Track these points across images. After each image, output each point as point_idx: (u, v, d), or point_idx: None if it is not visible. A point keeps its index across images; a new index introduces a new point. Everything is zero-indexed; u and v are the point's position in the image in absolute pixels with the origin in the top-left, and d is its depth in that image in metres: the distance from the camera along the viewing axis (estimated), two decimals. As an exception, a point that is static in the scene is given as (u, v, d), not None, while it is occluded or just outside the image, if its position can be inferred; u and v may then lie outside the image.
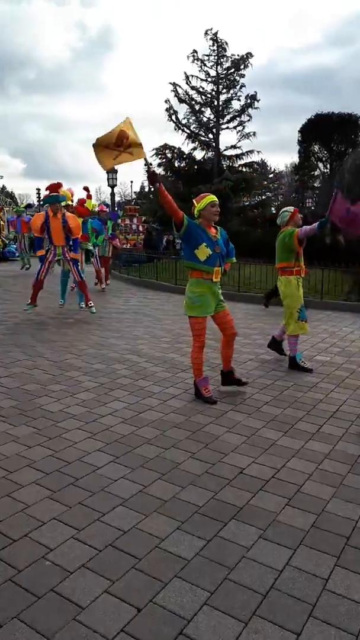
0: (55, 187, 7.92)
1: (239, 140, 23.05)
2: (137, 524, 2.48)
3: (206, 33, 22.95)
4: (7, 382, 4.69)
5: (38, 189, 50.96)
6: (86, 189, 11.32)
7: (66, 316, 8.23)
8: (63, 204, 8.14)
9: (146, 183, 43.65)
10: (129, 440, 3.45)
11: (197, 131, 23.61)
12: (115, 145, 4.06)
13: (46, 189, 8.10)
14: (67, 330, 7.06)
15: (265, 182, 35.29)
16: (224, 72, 23.08)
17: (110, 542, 2.35)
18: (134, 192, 50.24)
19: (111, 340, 6.47)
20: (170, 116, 23.15)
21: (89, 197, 11.41)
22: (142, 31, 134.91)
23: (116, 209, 15.88)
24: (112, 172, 18.35)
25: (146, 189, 43.59)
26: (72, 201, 9.91)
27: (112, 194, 19.75)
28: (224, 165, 23.10)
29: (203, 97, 23.47)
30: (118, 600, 2.00)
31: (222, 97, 23.29)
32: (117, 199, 23.29)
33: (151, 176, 3.96)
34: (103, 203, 18.24)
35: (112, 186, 18.96)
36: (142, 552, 2.27)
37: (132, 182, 55.54)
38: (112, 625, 1.87)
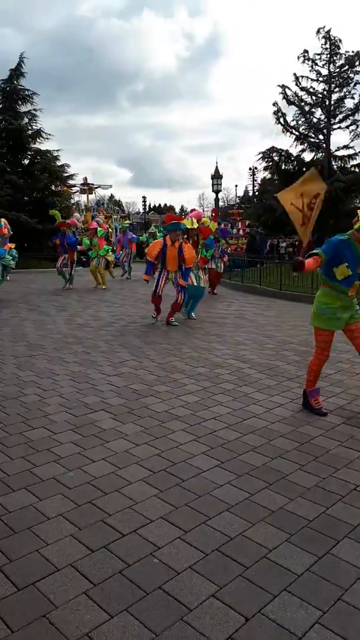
0: (174, 217, 8.33)
1: (352, 140, 22.19)
2: (243, 532, 2.45)
3: (318, 31, 22.44)
4: (116, 381, 4.89)
5: (144, 197, 52.87)
6: (215, 211, 11.51)
7: (172, 320, 8.40)
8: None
9: (250, 187, 43.54)
10: (234, 446, 3.42)
11: (306, 132, 23.11)
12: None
13: (166, 218, 8.53)
14: (171, 334, 7.21)
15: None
16: (337, 70, 22.38)
17: (217, 547, 2.34)
18: (237, 197, 50.32)
19: (214, 344, 6.49)
20: (278, 119, 22.90)
21: (215, 219, 11.70)
22: (249, 36, 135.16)
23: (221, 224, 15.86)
24: (216, 178, 18.50)
25: (250, 193, 43.43)
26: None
27: (217, 200, 19.91)
28: (335, 166, 22.33)
29: (313, 97, 22.94)
30: (225, 606, 1.98)
31: (334, 96, 22.60)
32: (220, 204, 23.44)
33: (298, 265, 3.69)
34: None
35: (217, 192, 19.14)
36: (249, 561, 2.24)
37: (236, 186, 55.66)
38: (219, 631, 1.86)
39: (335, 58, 22.41)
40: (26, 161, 25.31)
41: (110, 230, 19.75)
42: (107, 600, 2.01)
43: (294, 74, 23.46)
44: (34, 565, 2.21)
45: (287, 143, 48.69)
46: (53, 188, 25.04)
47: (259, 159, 24.09)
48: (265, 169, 24.38)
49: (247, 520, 2.55)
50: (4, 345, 6.52)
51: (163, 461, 3.20)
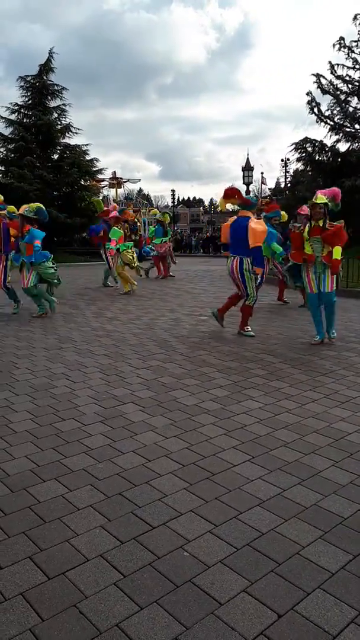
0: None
1: (390, 129, 21.66)
2: (275, 527, 2.40)
3: (355, 18, 21.92)
4: (145, 374, 4.88)
5: (173, 190, 52.83)
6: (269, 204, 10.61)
7: (201, 313, 8.37)
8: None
9: (282, 179, 42.92)
10: (266, 441, 3.37)
11: (341, 122, 22.65)
12: None
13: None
14: (199, 327, 7.17)
15: None
16: (375, 57, 21.84)
17: (248, 542, 2.30)
18: (269, 189, 49.81)
19: (244, 338, 6.42)
20: (312, 109, 22.54)
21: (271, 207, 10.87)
22: (280, 26, 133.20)
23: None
24: (248, 170, 18.31)
25: (282, 185, 42.88)
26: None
27: (247, 192, 19.71)
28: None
29: (349, 85, 22.46)
30: (257, 601, 1.94)
31: (373, 84, 22.07)
32: (251, 195, 23.22)
33: None
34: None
35: (248, 184, 18.96)
36: (281, 557, 2.19)
37: (262, 174, 54.78)
38: (251, 627, 1.82)
39: (373, 45, 21.90)
40: (55, 156, 25.60)
41: (139, 224, 19.76)
42: (137, 592, 1.99)
43: (329, 62, 23.05)
44: (64, 555, 2.21)
45: (321, 133, 47.98)
46: (82, 182, 25.27)
47: (292, 150, 23.77)
48: (298, 160, 24.03)
49: (279, 516, 2.50)
50: (34, 337, 6.60)
51: (193, 454, 3.17)
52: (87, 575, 2.09)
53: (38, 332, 6.92)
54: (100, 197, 26.46)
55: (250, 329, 6.63)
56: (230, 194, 6.50)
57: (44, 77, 25.17)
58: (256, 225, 6.30)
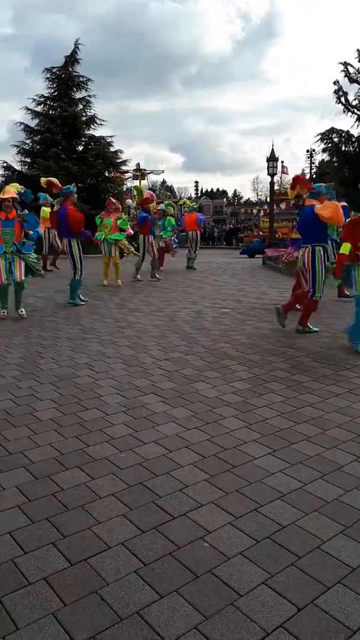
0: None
1: None
2: (296, 521, 2.40)
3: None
4: (166, 365, 4.90)
5: (196, 182, 52.62)
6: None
7: (223, 306, 8.35)
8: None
9: (307, 170, 42.30)
10: (287, 434, 3.36)
11: (369, 112, 22.20)
12: None
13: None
14: (221, 320, 7.16)
15: None
16: None
17: (268, 535, 2.30)
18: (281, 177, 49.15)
19: (266, 331, 6.39)
20: (338, 98, 22.13)
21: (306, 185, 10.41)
22: (307, 14, 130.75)
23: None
24: (272, 161, 18.07)
25: (307, 176, 42.31)
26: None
27: (272, 183, 19.48)
28: None
29: (379, 74, 21.95)
30: (276, 594, 1.95)
31: None
32: (275, 187, 22.91)
33: None
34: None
35: (272, 175, 18.71)
36: (302, 551, 2.19)
37: (282, 162, 53.79)
38: (270, 619, 1.83)
39: None
40: (80, 147, 25.69)
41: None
42: (158, 581, 2.01)
43: (357, 50, 22.53)
44: (86, 542, 2.25)
45: (347, 124, 47.06)
46: (106, 174, 25.33)
47: (317, 141, 23.42)
48: (324, 150, 23.67)
49: (300, 509, 2.50)
50: (59, 328, 6.68)
51: (214, 446, 3.18)
52: (109, 562, 2.12)
53: (62, 323, 7.00)
54: (124, 189, 26.48)
55: (311, 325, 6.38)
56: (299, 181, 6.41)
57: (70, 69, 25.24)
58: (323, 206, 5.91)
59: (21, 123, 24.69)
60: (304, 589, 1.98)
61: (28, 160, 24.44)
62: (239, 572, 2.07)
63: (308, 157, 41.20)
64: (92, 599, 1.92)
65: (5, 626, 1.79)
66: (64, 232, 8.25)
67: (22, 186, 7.50)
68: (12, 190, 7.11)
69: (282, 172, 38.46)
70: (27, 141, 24.76)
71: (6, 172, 24.30)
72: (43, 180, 9.22)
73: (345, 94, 22.41)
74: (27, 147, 24.57)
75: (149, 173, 31.68)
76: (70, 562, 2.12)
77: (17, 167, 24.67)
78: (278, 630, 1.78)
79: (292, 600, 1.92)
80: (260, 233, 26.21)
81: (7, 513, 2.46)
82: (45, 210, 12.96)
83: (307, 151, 41.43)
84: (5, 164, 24.31)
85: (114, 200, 11.37)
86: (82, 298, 8.58)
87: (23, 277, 7.12)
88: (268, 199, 31.92)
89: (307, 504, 2.55)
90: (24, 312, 7.35)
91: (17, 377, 4.57)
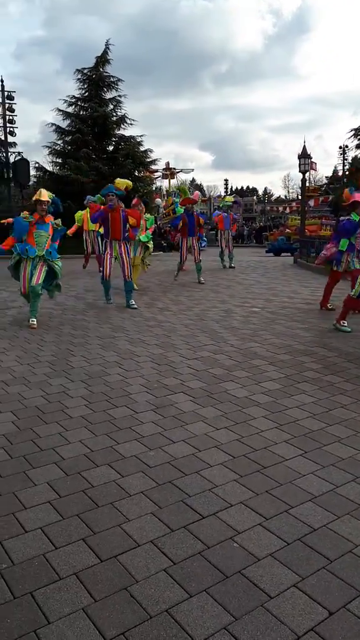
0: None
1: None
2: (328, 524, 2.36)
3: None
4: (195, 365, 4.90)
5: (226, 180, 52.39)
6: None
7: (252, 305, 8.28)
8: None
9: (340, 167, 41.59)
10: (319, 436, 3.31)
11: None
12: None
13: None
14: (251, 319, 7.10)
15: None
16: None
17: (299, 537, 2.27)
18: (325, 177, 48.45)
19: (297, 331, 6.31)
20: (372, 93, 21.61)
21: None
22: (339, 8, 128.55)
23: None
24: (304, 158, 17.78)
25: (339, 172, 41.63)
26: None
27: (303, 180, 19.19)
28: None
29: None
30: (307, 597, 1.92)
31: None
32: (307, 184, 22.56)
33: None
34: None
35: (304, 172, 18.42)
36: (334, 554, 2.15)
37: (310, 156, 53.02)
38: (301, 622, 1.81)
39: None
40: (111, 147, 25.87)
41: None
42: (187, 580, 2.01)
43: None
44: (116, 539, 2.27)
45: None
46: (136, 174, 25.45)
47: (351, 137, 23.02)
48: (357, 147, 23.25)
49: (331, 512, 2.46)
50: (89, 326, 6.75)
51: (243, 447, 3.16)
52: (138, 560, 2.13)
53: (92, 321, 7.07)
54: (153, 188, 26.55)
55: (346, 324, 6.27)
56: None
57: (100, 69, 25.45)
58: None
59: (53, 124, 25.05)
60: (335, 593, 1.94)
61: (59, 160, 24.77)
62: (269, 573, 2.05)
63: (340, 154, 40.54)
64: (121, 596, 1.93)
65: (36, 620, 1.81)
66: (116, 234, 7.91)
67: (53, 194, 7.23)
68: (47, 194, 6.88)
69: (311, 168, 37.95)
70: (59, 142, 25.10)
71: (38, 173, 24.69)
72: (123, 182, 8.62)
73: (379, 88, 22.00)
74: (59, 148, 24.90)
75: (178, 172, 31.71)
76: (100, 558, 2.14)
77: (49, 167, 25.05)
78: (309, 634, 1.76)
79: (323, 604, 1.89)
80: (287, 231, 25.84)
81: (38, 508, 2.50)
82: (83, 213, 12.84)
83: (340, 147, 40.76)
84: (37, 165, 24.71)
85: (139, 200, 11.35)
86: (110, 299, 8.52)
87: (39, 281, 6.67)
88: (299, 197, 31.57)
89: (339, 506, 2.50)
90: (34, 322, 6.66)
91: (49, 374, 4.64)
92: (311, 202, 26.91)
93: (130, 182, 8.89)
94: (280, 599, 1.92)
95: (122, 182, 8.60)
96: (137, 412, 3.71)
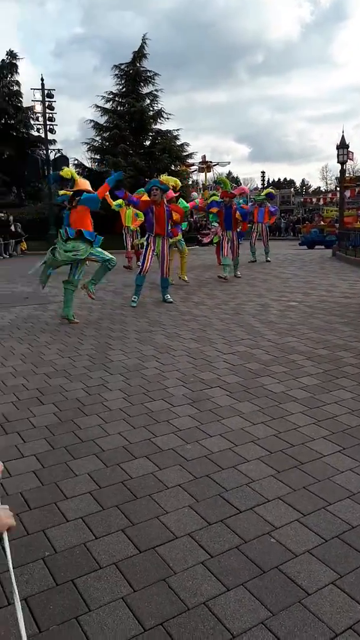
0: None
1: None
2: (367, 522, 2.33)
3: None
4: (232, 359, 4.89)
5: (262, 172, 51.69)
6: None
7: (289, 299, 8.19)
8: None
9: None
10: (357, 432, 3.25)
11: None
12: None
13: None
14: (288, 313, 7.03)
15: None
16: None
17: (337, 534, 2.25)
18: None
19: (335, 325, 6.21)
20: None
21: None
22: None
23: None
24: (342, 148, 17.36)
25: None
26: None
27: (342, 171, 18.75)
28: None
29: None
30: (346, 595, 1.91)
31: None
32: (346, 175, 21.98)
33: None
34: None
35: (343, 162, 18.00)
36: (373, 553, 2.13)
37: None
38: (339, 620, 1.80)
39: None
40: (147, 142, 25.97)
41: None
42: (224, 574, 2.03)
43: None
44: (155, 531, 2.30)
45: None
46: (173, 168, 25.47)
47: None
48: None
49: (371, 510, 2.42)
50: (127, 320, 6.83)
51: (280, 442, 3.15)
52: (176, 552, 2.16)
53: (130, 316, 7.15)
54: (190, 182, 26.48)
55: None
56: None
57: (137, 64, 25.55)
58: None
59: (91, 120, 25.36)
60: (375, 592, 1.92)
61: (97, 157, 25.07)
62: (307, 570, 2.04)
63: (381, 143, 39.26)
64: (160, 587, 1.96)
65: (78, 607, 1.87)
66: (161, 229, 7.79)
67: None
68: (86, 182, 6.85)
69: (349, 158, 36.88)
70: (97, 138, 25.39)
71: (77, 170, 25.05)
72: (171, 179, 8.62)
73: None
74: (97, 144, 25.19)
75: (214, 165, 31.51)
76: (139, 549, 2.18)
77: (87, 164, 25.39)
78: (347, 632, 1.75)
79: (362, 603, 1.87)
80: (322, 223, 25.24)
81: (79, 499, 2.57)
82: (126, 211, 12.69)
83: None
84: (76, 162, 25.08)
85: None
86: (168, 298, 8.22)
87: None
88: (337, 188, 30.77)
89: (379, 505, 2.46)
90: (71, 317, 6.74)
91: (89, 367, 4.73)
92: (347, 193, 26.18)
93: (178, 181, 8.75)
94: (318, 596, 1.91)
95: (170, 179, 8.52)
96: (174, 406, 3.75)
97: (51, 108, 22.13)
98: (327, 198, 35.63)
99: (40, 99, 21.84)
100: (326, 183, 68.85)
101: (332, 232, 22.03)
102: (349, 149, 18.04)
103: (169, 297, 8.15)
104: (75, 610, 1.86)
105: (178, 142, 25.55)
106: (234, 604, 1.88)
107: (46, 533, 2.30)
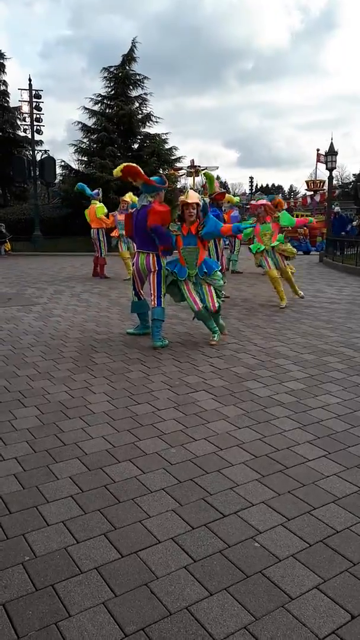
0: None
1: None
2: (351, 526, 2.32)
3: None
4: (217, 363, 4.88)
5: (251, 177, 51.97)
6: None
7: (275, 303, 8.21)
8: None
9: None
10: (343, 437, 3.26)
11: None
12: None
13: None
14: (275, 318, 7.04)
15: None
16: None
17: (322, 539, 2.24)
18: (353, 175, 47.65)
19: (322, 330, 6.23)
20: None
21: None
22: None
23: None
24: (331, 155, 17.52)
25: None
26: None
27: (330, 178, 18.92)
28: None
29: None
30: (330, 599, 1.89)
31: None
32: (334, 182, 22.18)
33: None
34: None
35: (331, 169, 18.15)
36: (357, 557, 2.12)
37: (318, 150, 51.18)
38: (323, 624, 1.78)
39: None
40: (136, 145, 25.91)
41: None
42: (207, 578, 2.00)
43: None
44: (137, 535, 2.27)
45: None
46: (161, 171, 25.44)
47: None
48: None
49: (355, 514, 2.42)
50: (112, 323, 6.79)
51: (265, 446, 3.13)
52: (159, 556, 2.13)
53: (115, 319, 7.11)
54: (178, 186, 26.51)
55: None
56: None
57: (127, 67, 25.51)
58: None
59: (79, 122, 25.22)
60: (358, 596, 1.91)
61: (85, 159, 24.95)
62: (291, 574, 2.03)
63: (368, 151, 39.78)
64: (142, 592, 1.93)
65: (58, 612, 1.83)
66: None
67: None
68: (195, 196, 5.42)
69: (319, 160, 36.46)
70: (84, 140, 25.26)
71: (64, 171, 24.95)
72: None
73: None
74: (84, 146, 25.07)
75: (203, 169, 31.57)
76: (121, 553, 2.15)
77: (75, 165, 25.28)
78: (331, 637, 1.74)
79: (345, 607, 1.86)
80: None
81: (61, 502, 2.52)
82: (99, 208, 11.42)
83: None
84: (63, 163, 24.94)
85: (124, 198, 10.34)
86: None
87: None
88: (305, 193, 30.73)
89: (363, 509, 2.46)
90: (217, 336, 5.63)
91: (73, 369, 4.68)
92: (317, 197, 26.04)
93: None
94: (302, 600, 1.89)
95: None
96: (159, 409, 3.72)
97: (38, 109, 22.00)
98: (298, 202, 34.99)
99: (28, 99, 21.70)
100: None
101: (295, 238, 21.91)
102: (319, 151, 18.16)
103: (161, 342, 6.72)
104: (55, 615, 1.82)
105: (167, 146, 25.54)
106: (217, 608, 1.85)
107: (26, 537, 2.25)
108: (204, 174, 7.89)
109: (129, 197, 10.17)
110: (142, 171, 5.45)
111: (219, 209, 8.72)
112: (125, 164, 5.36)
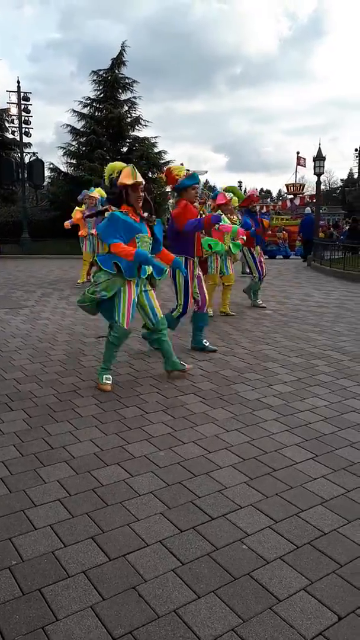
0: None
1: None
2: (338, 528, 2.34)
3: None
4: (206, 366, 4.89)
5: (240, 182, 52.20)
6: None
7: (266, 307, 8.24)
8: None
9: (355, 169, 41.28)
10: (330, 440, 3.28)
11: None
12: None
13: None
14: (264, 322, 7.08)
15: None
16: None
17: (309, 541, 2.25)
18: (340, 180, 48.15)
19: (310, 334, 6.27)
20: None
21: None
22: (357, 11, 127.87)
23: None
24: (319, 160, 17.64)
25: (355, 175, 41.40)
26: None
27: (318, 183, 19.04)
28: None
29: None
30: (317, 601, 1.90)
31: None
32: (322, 187, 22.34)
33: None
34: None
35: (319, 174, 18.27)
36: (344, 559, 2.13)
37: (298, 153, 51.27)
38: (310, 626, 1.79)
39: None
40: (125, 149, 25.91)
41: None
42: (195, 581, 2.00)
43: None
44: (125, 539, 2.26)
45: None
46: (150, 175, 25.45)
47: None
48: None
49: (342, 516, 2.43)
50: (100, 326, 6.76)
51: (254, 449, 3.14)
52: (147, 560, 2.13)
53: (103, 321, 7.06)
54: (167, 190, 26.48)
55: None
56: None
57: (116, 71, 25.53)
58: None
59: (67, 125, 25.17)
60: (345, 597, 1.92)
61: (74, 162, 24.89)
62: (278, 576, 2.03)
63: (357, 156, 40.34)
64: (129, 595, 1.93)
65: (45, 616, 1.82)
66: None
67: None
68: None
69: (298, 163, 36.05)
70: (73, 143, 25.20)
71: (53, 174, 24.85)
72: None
73: None
74: (73, 149, 25.01)
75: (191, 173, 31.64)
76: (109, 557, 2.14)
77: (63, 168, 25.20)
78: (318, 638, 1.75)
79: (332, 609, 1.87)
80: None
81: (48, 506, 2.51)
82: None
83: (356, 150, 40.57)
84: (52, 166, 24.86)
85: (92, 194, 9.71)
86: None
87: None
88: (282, 197, 30.70)
89: (350, 511, 2.48)
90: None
91: (61, 373, 4.66)
92: (297, 201, 25.82)
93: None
94: (289, 602, 1.90)
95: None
96: (147, 412, 3.71)
97: (27, 111, 21.92)
98: (277, 206, 34.45)
99: (16, 101, 21.62)
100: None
101: (274, 242, 21.81)
102: (300, 155, 18.30)
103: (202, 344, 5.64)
104: (42, 619, 1.81)
105: (156, 150, 25.58)
106: (205, 611, 1.85)
107: (13, 541, 2.24)
108: (226, 189, 7.34)
109: (98, 192, 9.63)
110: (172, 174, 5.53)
111: (254, 213, 8.04)
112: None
